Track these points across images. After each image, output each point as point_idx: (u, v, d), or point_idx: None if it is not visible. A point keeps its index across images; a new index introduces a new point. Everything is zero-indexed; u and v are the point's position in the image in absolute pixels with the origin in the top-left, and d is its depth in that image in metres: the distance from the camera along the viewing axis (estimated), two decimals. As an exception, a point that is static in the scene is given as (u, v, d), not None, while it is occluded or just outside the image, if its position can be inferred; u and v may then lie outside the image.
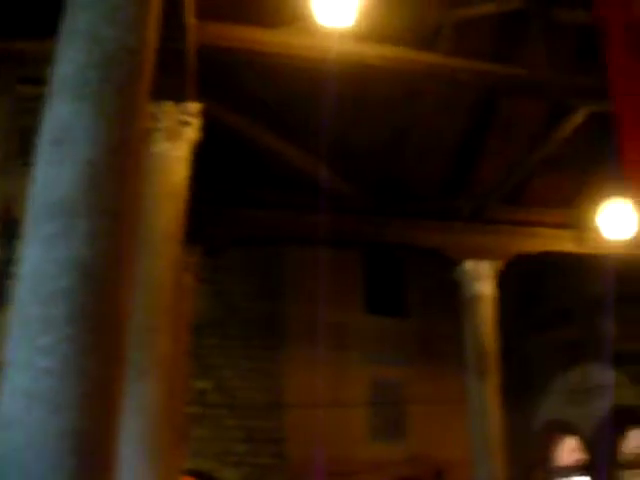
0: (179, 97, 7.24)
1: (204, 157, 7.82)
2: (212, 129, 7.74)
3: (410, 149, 11.06)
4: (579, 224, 11.13)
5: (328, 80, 8.23)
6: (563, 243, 11.49)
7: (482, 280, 10.95)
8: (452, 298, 11.41)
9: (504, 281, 11.52)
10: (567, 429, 17.44)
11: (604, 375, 15.77)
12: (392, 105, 10.32)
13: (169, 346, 6.58)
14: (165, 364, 6.48)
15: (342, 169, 10.44)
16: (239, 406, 15.62)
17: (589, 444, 16.77)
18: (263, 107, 9.73)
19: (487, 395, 10.70)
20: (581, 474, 17.23)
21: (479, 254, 11.00)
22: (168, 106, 7.26)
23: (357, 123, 10.42)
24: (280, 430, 15.90)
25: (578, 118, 9.29)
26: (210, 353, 15.39)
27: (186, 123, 7.35)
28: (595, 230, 10.45)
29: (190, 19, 6.66)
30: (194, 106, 7.38)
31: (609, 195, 9.67)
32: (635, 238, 9.69)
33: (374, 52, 7.91)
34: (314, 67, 7.93)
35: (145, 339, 6.38)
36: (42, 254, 3.29)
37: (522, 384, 16.89)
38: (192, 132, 7.41)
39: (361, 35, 7.67)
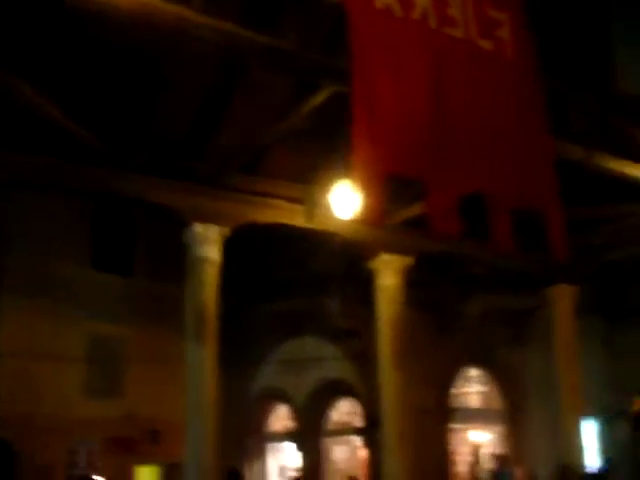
0: None
1: None
2: None
3: (157, 106, 10.71)
4: (311, 200, 11.42)
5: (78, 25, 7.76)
6: (294, 217, 11.75)
7: (209, 244, 10.93)
8: (181, 260, 11.30)
9: (233, 249, 11.60)
10: (281, 397, 18.08)
11: (320, 348, 16.49)
12: (142, 58, 9.93)
13: None
14: None
15: (83, 118, 9.92)
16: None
17: (300, 413, 17.50)
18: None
19: (204, 359, 10.73)
20: (290, 440, 17.95)
21: (209, 218, 10.96)
22: None
23: (104, 72, 9.91)
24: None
25: (321, 97, 9.48)
26: None
27: None
28: (325, 208, 10.76)
29: None
30: None
31: (341, 175, 9.96)
32: (356, 220, 10.08)
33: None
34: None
35: None
36: None
37: (242, 351, 17.22)
38: None
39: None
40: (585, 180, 11.44)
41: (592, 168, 11.20)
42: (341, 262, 14.86)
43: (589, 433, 16.97)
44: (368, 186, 6.74)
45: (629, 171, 11.55)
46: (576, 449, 14.71)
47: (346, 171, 9.64)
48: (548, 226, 8.34)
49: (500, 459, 15.71)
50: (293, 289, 16.60)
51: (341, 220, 10.65)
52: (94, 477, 14.88)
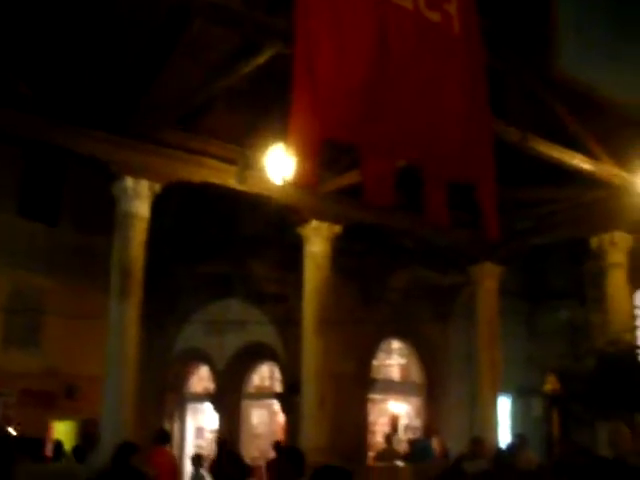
0: None
1: None
2: None
3: (93, 56, 10.39)
4: (245, 162, 11.30)
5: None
6: (226, 178, 11.61)
7: (139, 199, 10.74)
8: (111, 214, 11.08)
9: (163, 207, 11.44)
10: (203, 358, 18.02)
11: (245, 311, 16.46)
12: (79, 5, 9.62)
13: None
14: None
15: (14, 64, 9.60)
16: None
17: (220, 375, 17.48)
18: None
19: (127, 315, 10.60)
20: (209, 402, 17.94)
21: (140, 172, 10.75)
22: None
23: (40, 18, 9.57)
24: None
25: (263, 58, 9.36)
26: None
27: None
28: (259, 171, 10.66)
29: None
30: None
31: (277, 139, 9.86)
32: (290, 184, 10.03)
33: None
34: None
35: None
36: None
37: (166, 310, 17.10)
38: None
39: None
40: (518, 162, 11.60)
41: (526, 151, 11.36)
42: (270, 226, 14.81)
43: (505, 409, 17.39)
44: (304, 150, 6.69)
45: (562, 157, 11.75)
46: (491, 425, 15.07)
47: (282, 135, 9.58)
48: (481, 203, 8.41)
49: (422, 430, 15.91)
50: (221, 251, 16.47)
51: (274, 184, 10.56)
52: (9, 430, 14.61)
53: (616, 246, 13.77)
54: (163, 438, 11.99)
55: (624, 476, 5.96)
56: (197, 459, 13.66)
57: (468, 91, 8.30)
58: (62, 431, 16.63)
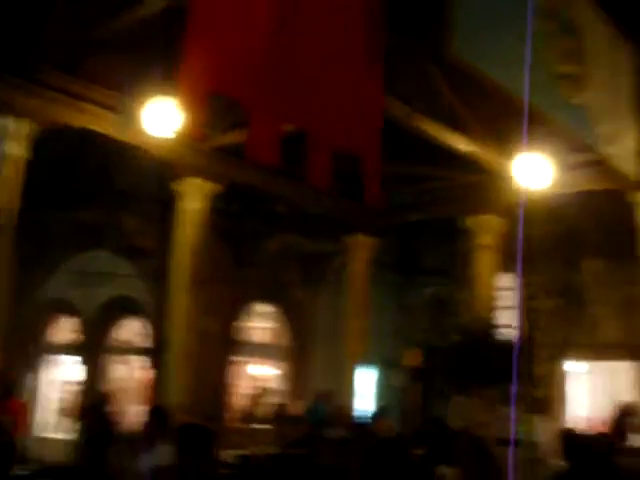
0: None
1: None
2: None
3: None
4: (126, 111, 10.95)
5: None
6: (107, 126, 11.24)
7: (15, 140, 10.22)
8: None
9: (40, 152, 10.97)
10: (68, 310, 17.55)
11: (114, 264, 16.09)
12: None
13: None
14: None
15: None
16: None
17: (86, 327, 17.10)
18: None
19: (-5, 262, 10.16)
20: (73, 354, 17.53)
21: (18, 112, 10.21)
22: None
23: None
24: None
25: (155, 5, 9.11)
26: None
27: None
28: (139, 121, 10.33)
29: None
30: None
31: (161, 91, 9.60)
32: (170, 138, 9.85)
33: None
34: None
35: None
36: None
37: (33, 258, 16.48)
38: None
39: None
40: (402, 138, 11.75)
41: (410, 128, 11.53)
42: (146, 180, 14.47)
43: (370, 380, 17.79)
44: (191, 103, 6.51)
45: (444, 137, 12.00)
46: (351, 393, 15.39)
47: (164, 87, 9.35)
48: (365, 173, 8.47)
49: (318, 394, 15.80)
50: (94, 201, 16.00)
51: (153, 136, 10.32)
52: None
53: (486, 228, 14.24)
54: (9, 391, 12.28)
55: (469, 445, 6.27)
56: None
57: (362, 60, 8.32)
58: None
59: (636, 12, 10.03)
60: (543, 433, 12.09)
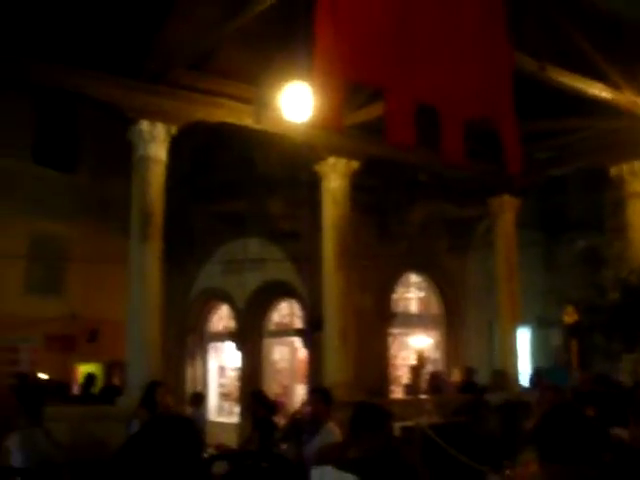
0: None
1: None
2: None
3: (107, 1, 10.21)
4: (260, 101, 11.19)
5: None
6: (242, 117, 11.53)
7: (155, 143, 10.68)
8: (127, 158, 11.06)
9: (179, 148, 11.39)
10: (223, 298, 18.13)
11: (262, 250, 16.49)
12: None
13: None
14: None
15: (26, 10, 9.47)
16: None
17: (241, 313, 17.61)
18: None
19: (148, 259, 10.66)
20: (230, 341, 18.12)
21: (155, 116, 10.67)
22: None
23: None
24: None
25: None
26: None
27: None
28: (274, 109, 10.54)
29: None
30: None
31: (293, 77, 9.73)
32: (306, 123, 9.94)
33: None
34: None
35: None
36: None
37: (186, 251, 17.17)
38: None
39: None
40: (534, 93, 11.42)
41: (544, 81, 11.18)
42: (286, 164, 14.75)
43: (525, 341, 17.49)
44: (327, 90, 6.58)
45: (581, 86, 11.56)
46: (511, 356, 15.19)
47: (298, 72, 9.45)
48: (503, 138, 8.30)
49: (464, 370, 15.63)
50: (237, 190, 16.46)
51: (290, 122, 10.47)
52: (39, 374, 14.91)
53: (636, 175, 13.66)
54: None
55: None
56: (196, 398, 13.35)
57: (488, 25, 8.12)
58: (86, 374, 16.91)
59: None
60: None
